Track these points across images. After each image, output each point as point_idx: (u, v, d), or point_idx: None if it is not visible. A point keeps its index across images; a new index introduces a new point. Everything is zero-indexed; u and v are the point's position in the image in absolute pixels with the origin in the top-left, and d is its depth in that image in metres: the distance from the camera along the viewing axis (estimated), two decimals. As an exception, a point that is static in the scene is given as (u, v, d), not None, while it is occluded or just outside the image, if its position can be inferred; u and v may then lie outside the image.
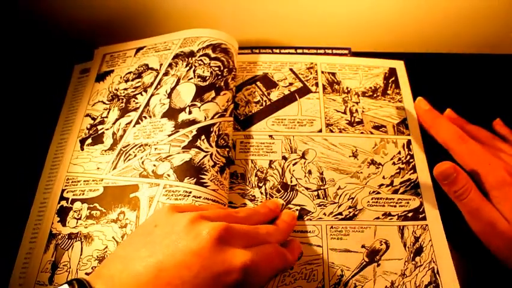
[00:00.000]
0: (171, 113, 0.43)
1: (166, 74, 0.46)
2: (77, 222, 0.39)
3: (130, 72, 0.48)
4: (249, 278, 0.28)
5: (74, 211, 0.39)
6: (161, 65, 0.47)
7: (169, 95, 0.44)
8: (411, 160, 0.44)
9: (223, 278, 0.27)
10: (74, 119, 0.46)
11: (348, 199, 0.41)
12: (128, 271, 0.27)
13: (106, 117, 0.45)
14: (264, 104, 0.47)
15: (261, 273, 0.29)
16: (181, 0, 0.51)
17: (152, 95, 0.45)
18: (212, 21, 0.53)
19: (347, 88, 0.49)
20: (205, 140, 0.40)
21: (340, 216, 0.40)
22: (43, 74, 0.52)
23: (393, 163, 0.44)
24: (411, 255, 0.39)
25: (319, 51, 0.53)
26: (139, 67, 0.48)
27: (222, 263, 0.27)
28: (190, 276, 0.26)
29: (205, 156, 0.40)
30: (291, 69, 0.50)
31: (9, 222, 0.42)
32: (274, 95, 0.48)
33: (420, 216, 0.41)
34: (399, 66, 0.51)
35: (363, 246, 0.39)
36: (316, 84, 0.49)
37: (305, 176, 0.43)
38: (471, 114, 0.45)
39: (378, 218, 0.40)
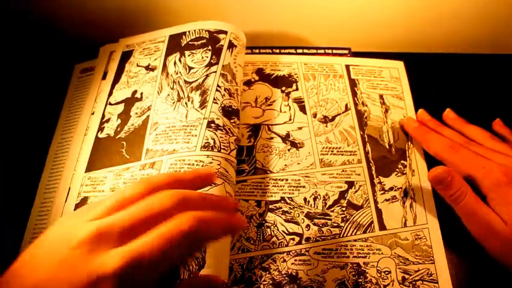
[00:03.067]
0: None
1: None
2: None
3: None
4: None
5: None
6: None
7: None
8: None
9: None
10: (78, 119, 0.46)
11: None
12: None
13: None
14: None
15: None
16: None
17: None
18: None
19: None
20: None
21: None
22: (43, 74, 0.52)
23: None
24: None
25: (319, 51, 0.53)
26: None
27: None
28: None
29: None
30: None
31: (9, 222, 0.42)
32: (275, 95, 0.48)
33: None
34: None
35: None
36: (317, 84, 0.49)
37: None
38: (471, 114, 0.45)
39: None
